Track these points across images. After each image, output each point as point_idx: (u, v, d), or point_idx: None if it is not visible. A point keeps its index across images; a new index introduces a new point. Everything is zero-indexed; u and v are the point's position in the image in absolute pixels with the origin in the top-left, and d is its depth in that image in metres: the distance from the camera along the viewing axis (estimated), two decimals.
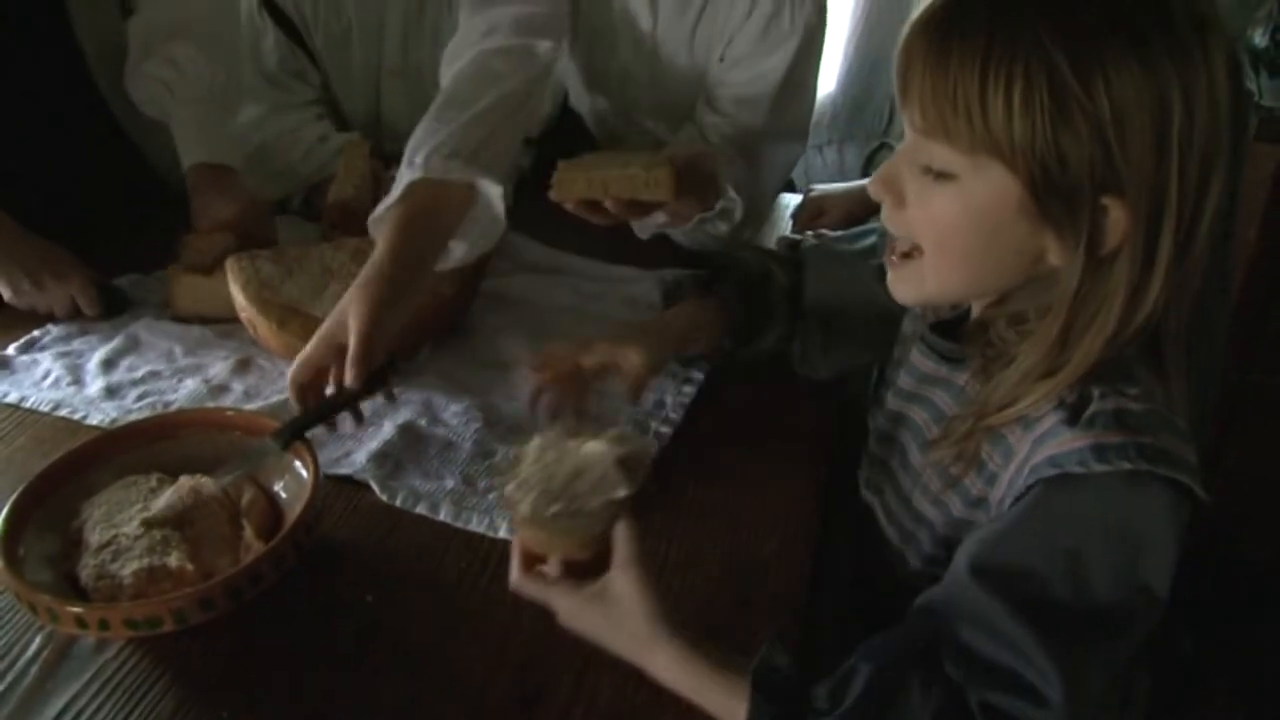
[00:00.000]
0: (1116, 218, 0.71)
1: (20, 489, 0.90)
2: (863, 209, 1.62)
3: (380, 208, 1.10)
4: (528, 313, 1.26)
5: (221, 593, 0.81)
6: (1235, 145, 0.74)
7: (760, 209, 1.43)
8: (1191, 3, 0.70)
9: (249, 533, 0.89)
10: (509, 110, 1.18)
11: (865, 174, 1.72)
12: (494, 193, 1.10)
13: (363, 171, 1.42)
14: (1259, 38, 2.06)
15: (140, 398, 1.14)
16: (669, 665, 0.75)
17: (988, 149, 0.71)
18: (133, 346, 1.23)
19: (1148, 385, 0.74)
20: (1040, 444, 0.74)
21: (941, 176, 0.75)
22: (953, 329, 0.89)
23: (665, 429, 1.07)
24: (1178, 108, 0.68)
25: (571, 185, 1.15)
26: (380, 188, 1.42)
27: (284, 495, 0.94)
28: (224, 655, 0.82)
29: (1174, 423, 0.73)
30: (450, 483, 1.00)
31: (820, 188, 1.65)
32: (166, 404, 1.12)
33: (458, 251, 1.13)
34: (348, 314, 1.00)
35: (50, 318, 1.27)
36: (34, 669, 0.82)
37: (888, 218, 0.81)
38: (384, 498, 0.98)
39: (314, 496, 0.88)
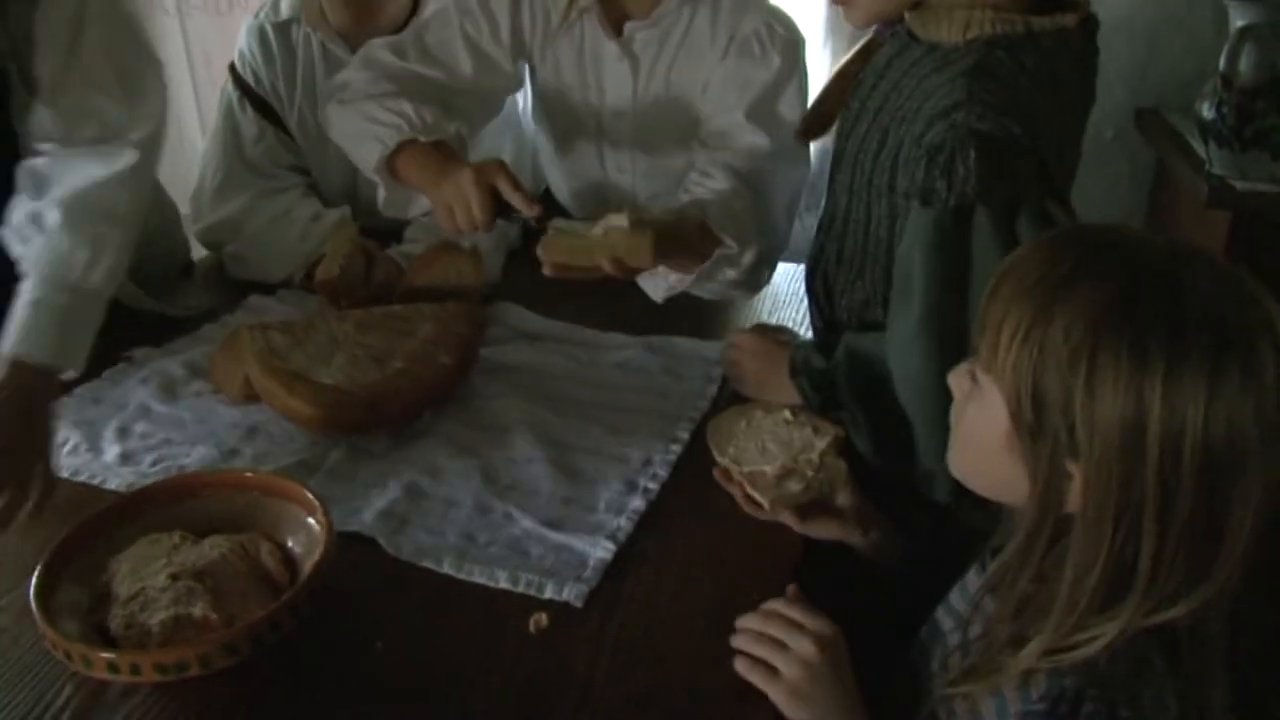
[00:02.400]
0: (1076, 485, 0.76)
1: (53, 547, 0.97)
2: None
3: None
4: (524, 379, 1.34)
5: (244, 639, 0.87)
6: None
7: (773, 241, 1.44)
8: (1227, 315, 0.72)
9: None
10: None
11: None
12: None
13: (348, 251, 1.48)
14: (1206, 110, 2.17)
15: (155, 463, 1.20)
16: None
17: (994, 373, 0.79)
18: (145, 415, 1.29)
19: (1155, 706, 0.75)
20: None
21: (975, 383, 0.83)
22: None
23: (653, 485, 1.14)
24: (1157, 415, 0.71)
25: (555, 249, 1.20)
26: (374, 266, 1.50)
27: (297, 550, 1.01)
28: (243, 698, 0.89)
29: None
30: (452, 538, 1.06)
31: None
32: (180, 468, 1.19)
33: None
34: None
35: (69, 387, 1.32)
36: (66, 715, 0.88)
37: (953, 411, 0.89)
38: (391, 552, 1.05)
39: (328, 549, 0.95)
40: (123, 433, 1.26)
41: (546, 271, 1.22)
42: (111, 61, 1.28)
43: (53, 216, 1.23)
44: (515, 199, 1.29)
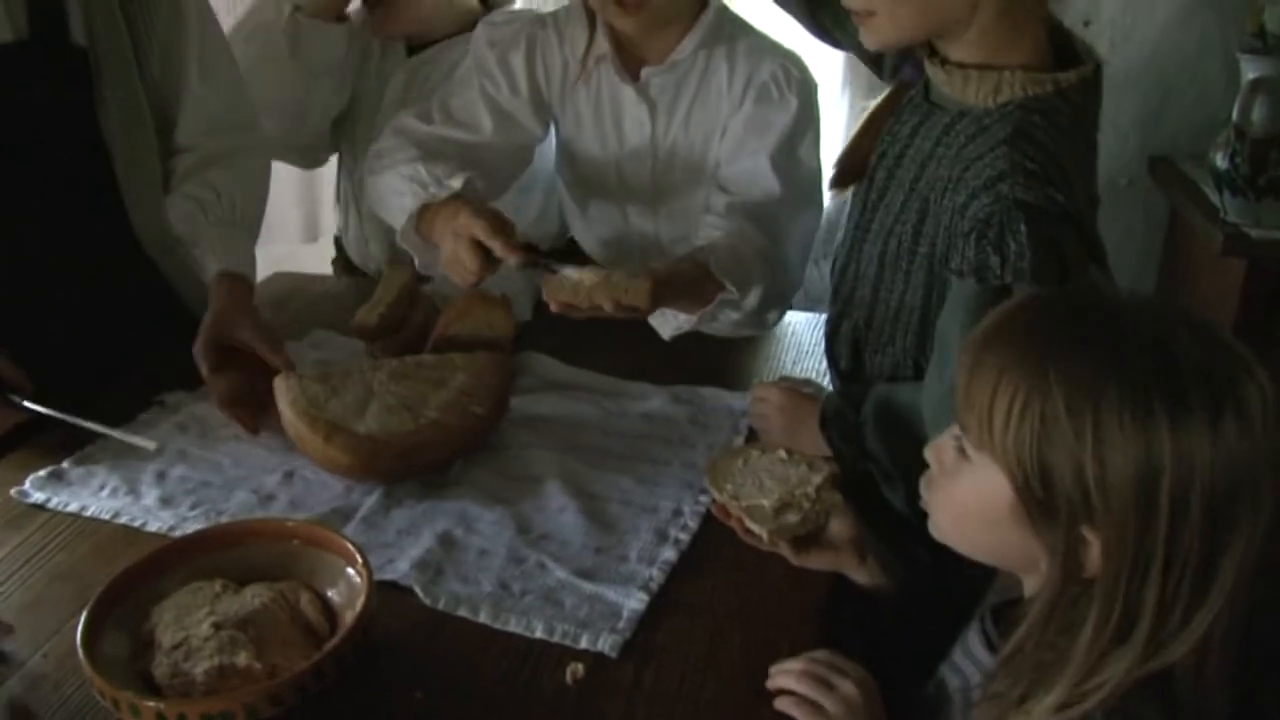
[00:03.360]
0: (1094, 549, 0.77)
1: (97, 594, 0.99)
2: None
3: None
4: (553, 429, 1.36)
5: (289, 689, 0.89)
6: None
7: (784, 284, 1.48)
8: (1214, 366, 0.74)
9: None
10: None
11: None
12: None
13: (396, 294, 1.51)
14: (1220, 160, 2.20)
15: (194, 506, 1.23)
16: None
17: (989, 449, 0.80)
18: (183, 458, 1.32)
19: None
20: None
21: (964, 456, 0.84)
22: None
23: (683, 535, 1.16)
24: (1169, 467, 0.73)
25: (559, 290, 1.25)
26: (416, 307, 1.53)
27: (337, 600, 1.03)
28: None
29: None
30: (488, 587, 1.08)
31: None
32: (219, 513, 1.21)
33: None
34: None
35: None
36: None
37: (925, 481, 0.90)
38: (427, 601, 1.07)
39: (369, 599, 0.97)
40: (161, 476, 1.29)
41: (554, 309, 1.26)
42: None
43: (221, 177, 1.57)
44: (495, 246, 1.31)
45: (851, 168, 1.32)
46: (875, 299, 1.23)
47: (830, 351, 1.35)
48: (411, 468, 1.24)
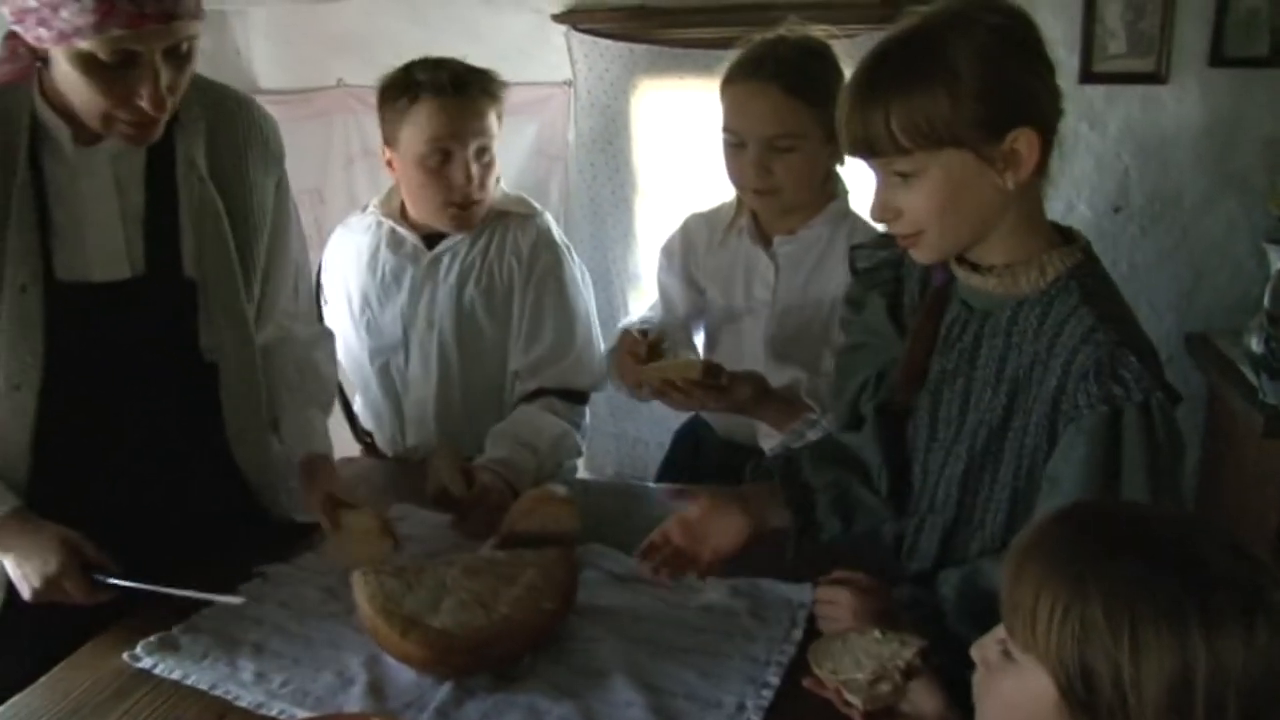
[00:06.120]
0: None
1: None
2: None
3: None
4: (617, 621, 1.41)
5: None
6: None
7: None
8: (1242, 576, 0.82)
9: None
10: None
11: None
12: None
13: (448, 471, 1.66)
14: (1255, 344, 2.27)
15: (284, 684, 1.31)
16: None
17: (1034, 651, 0.87)
18: (280, 632, 1.41)
19: None
20: None
21: (1009, 658, 0.91)
22: None
23: None
24: (1203, 671, 0.79)
25: (650, 374, 1.72)
26: (474, 478, 1.69)
27: None
28: None
29: None
30: None
31: None
32: (305, 692, 1.29)
33: None
34: None
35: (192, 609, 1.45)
36: None
37: (975, 680, 0.97)
38: None
39: None
40: (259, 650, 1.37)
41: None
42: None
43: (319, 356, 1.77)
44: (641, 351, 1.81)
45: (912, 380, 1.39)
46: (964, 492, 1.31)
47: (908, 557, 1.40)
48: (483, 661, 1.29)
